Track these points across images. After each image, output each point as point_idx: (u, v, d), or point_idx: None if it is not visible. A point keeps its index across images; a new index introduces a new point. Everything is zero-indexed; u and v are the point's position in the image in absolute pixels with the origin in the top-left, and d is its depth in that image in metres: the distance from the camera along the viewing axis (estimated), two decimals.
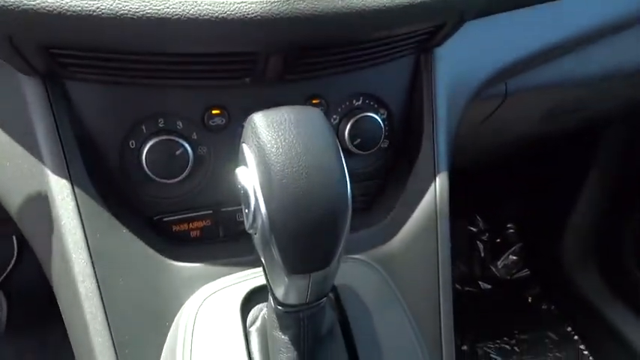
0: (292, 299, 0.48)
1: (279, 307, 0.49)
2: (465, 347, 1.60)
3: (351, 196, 0.42)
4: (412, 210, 0.67)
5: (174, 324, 0.56)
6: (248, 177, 0.41)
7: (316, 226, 0.41)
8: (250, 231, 0.44)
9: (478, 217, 1.92)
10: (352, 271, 0.62)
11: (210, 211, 0.62)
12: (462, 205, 1.92)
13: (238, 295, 0.58)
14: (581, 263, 1.70)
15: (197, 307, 0.57)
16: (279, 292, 0.47)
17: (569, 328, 1.68)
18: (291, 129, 0.40)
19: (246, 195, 0.42)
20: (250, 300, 0.59)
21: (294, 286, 0.45)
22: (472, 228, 1.91)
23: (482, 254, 1.88)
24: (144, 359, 0.54)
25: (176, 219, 0.61)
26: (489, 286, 1.82)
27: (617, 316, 1.55)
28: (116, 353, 0.53)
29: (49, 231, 0.55)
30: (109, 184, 0.58)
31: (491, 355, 1.59)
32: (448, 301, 0.68)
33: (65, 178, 0.53)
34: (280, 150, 0.40)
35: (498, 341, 1.63)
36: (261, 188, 0.40)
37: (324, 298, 0.51)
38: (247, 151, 0.42)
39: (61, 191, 0.53)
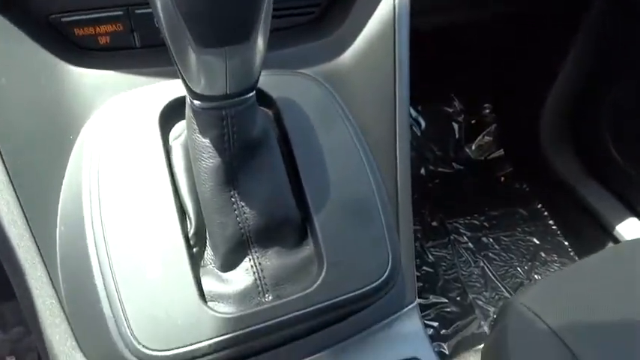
0: (210, 88, 0.39)
1: (197, 102, 0.41)
2: (434, 223, 1.59)
3: None
4: (367, 20, 0.57)
5: (79, 139, 0.48)
6: None
7: None
8: None
9: (454, 97, 1.83)
10: (295, 86, 0.54)
11: (121, 12, 0.51)
12: (438, 87, 1.84)
13: (157, 106, 0.49)
14: (556, 143, 1.66)
15: (107, 120, 0.48)
16: (195, 81, 0.38)
17: (539, 205, 1.67)
18: None
19: None
20: (172, 115, 0.50)
21: (208, 68, 0.36)
22: (448, 109, 1.84)
23: (457, 135, 1.83)
24: (43, 175, 0.46)
25: (78, 20, 0.50)
26: (462, 167, 1.78)
27: (589, 192, 1.54)
28: (3, 162, 0.45)
29: None
30: None
31: (461, 231, 1.59)
32: (405, 129, 0.60)
33: None
34: None
35: (468, 217, 1.62)
36: None
37: (251, 95, 0.42)
38: None
39: None
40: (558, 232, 1.60)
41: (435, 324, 1.35)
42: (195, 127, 0.43)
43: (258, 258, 0.49)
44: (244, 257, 0.49)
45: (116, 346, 0.44)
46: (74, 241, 0.45)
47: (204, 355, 0.44)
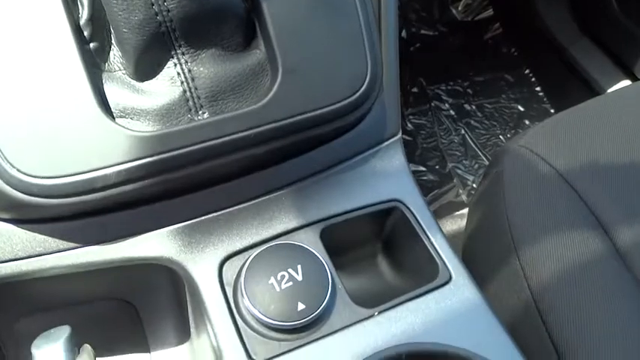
0: None
1: None
2: (414, 90, 1.46)
3: None
4: None
5: None
6: None
7: None
8: None
9: None
10: None
11: None
12: None
13: None
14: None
15: None
16: None
17: (527, 70, 1.54)
18: None
19: None
20: None
21: None
22: None
23: None
24: None
25: None
26: (446, 29, 1.61)
27: (583, 54, 1.41)
28: None
29: None
30: None
31: (442, 97, 1.47)
32: None
33: None
34: None
35: (451, 83, 1.49)
36: None
37: None
38: None
39: None
40: (545, 99, 1.50)
41: None
42: None
43: (187, 63, 0.35)
44: (167, 60, 0.35)
45: None
46: None
47: (112, 186, 0.32)
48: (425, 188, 1.29)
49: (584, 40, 1.43)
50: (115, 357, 0.51)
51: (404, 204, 0.43)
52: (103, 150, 0.32)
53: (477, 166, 1.36)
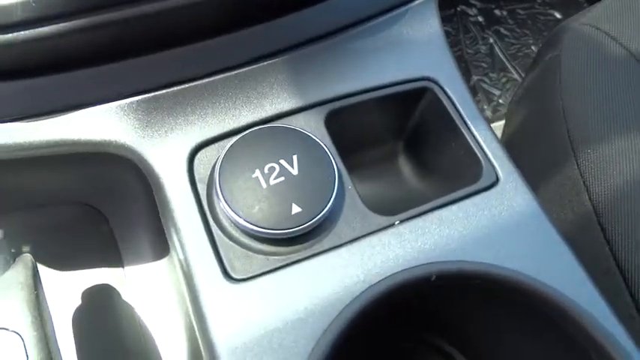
0: None
1: None
2: None
3: None
4: None
5: None
6: None
7: None
8: None
9: None
10: None
11: None
12: None
13: None
14: None
15: None
16: None
17: None
18: None
19: None
20: None
21: None
22: None
23: None
24: None
25: None
26: None
27: None
28: None
29: None
30: None
31: (470, 1, 1.31)
32: None
33: None
34: None
35: None
36: None
37: None
38: None
39: None
40: (586, 5, 1.33)
41: None
42: None
43: None
44: None
45: None
46: None
47: (19, 26, 0.22)
48: None
49: None
50: (83, 272, 0.44)
51: (438, 84, 0.32)
52: None
53: (504, 79, 1.22)
